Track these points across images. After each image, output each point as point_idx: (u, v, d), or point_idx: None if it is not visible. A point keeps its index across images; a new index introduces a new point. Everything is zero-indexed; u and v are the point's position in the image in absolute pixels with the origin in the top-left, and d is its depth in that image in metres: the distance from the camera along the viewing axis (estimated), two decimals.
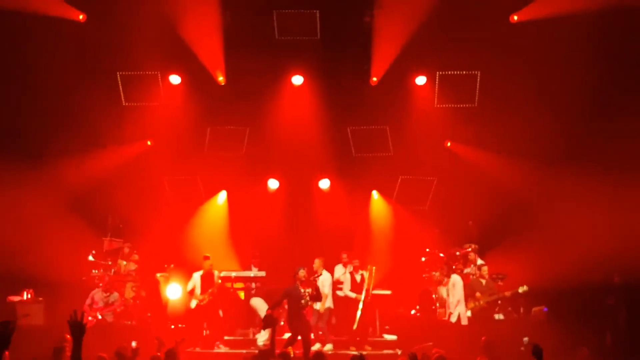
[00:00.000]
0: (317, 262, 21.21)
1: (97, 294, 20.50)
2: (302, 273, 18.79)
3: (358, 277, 21.39)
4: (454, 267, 21.99)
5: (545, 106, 21.77)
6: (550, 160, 21.79)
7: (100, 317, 20.10)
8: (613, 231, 19.90)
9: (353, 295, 21.18)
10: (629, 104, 20.71)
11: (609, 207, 20.51)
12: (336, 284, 21.92)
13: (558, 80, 21.46)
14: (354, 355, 11.98)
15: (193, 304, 21.08)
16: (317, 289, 18.88)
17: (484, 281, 20.83)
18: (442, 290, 21.14)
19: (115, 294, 20.71)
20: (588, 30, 20.75)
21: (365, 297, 21.09)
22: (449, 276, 20.92)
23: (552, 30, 21.41)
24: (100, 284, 20.98)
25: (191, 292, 21.14)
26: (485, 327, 19.24)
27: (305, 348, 17.93)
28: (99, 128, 22.73)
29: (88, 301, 20.38)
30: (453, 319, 20.05)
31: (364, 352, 16.64)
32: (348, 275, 21.62)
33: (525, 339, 16.57)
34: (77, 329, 7.30)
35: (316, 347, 19.48)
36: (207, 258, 21.19)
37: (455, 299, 20.24)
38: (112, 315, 20.45)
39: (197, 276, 21.13)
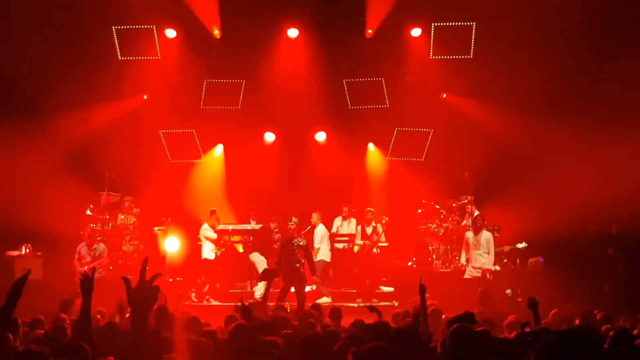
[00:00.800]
0: (314, 217, 21.43)
1: (83, 249, 20.37)
2: (290, 224, 18.92)
3: (369, 230, 21.59)
4: (450, 217, 22.17)
5: (542, 57, 21.70)
6: (547, 110, 21.78)
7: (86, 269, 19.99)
8: (611, 182, 19.98)
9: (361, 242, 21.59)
10: (626, 55, 20.70)
11: (607, 157, 20.54)
12: (334, 237, 22.11)
13: (554, 30, 21.37)
14: (370, 307, 12.13)
15: (213, 255, 21.53)
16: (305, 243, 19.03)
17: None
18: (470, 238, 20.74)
19: (101, 245, 20.61)
20: None
21: (371, 248, 21.38)
22: (480, 230, 20.39)
23: None
24: (97, 237, 21.05)
25: (215, 242, 21.62)
26: (482, 279, 19.43)
27: (299, 301, 18.01)
28: (95, 83, 22.71)
29: (76, 256, 20.30)
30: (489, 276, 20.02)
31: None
32: (359, 228, 21.86)
33: (508, 291, 16.64)
34: (86, 285, 7.45)
35: (324, 300, 19.74)
36: (214, 212, 21.48)
37: (492, 256, 20.14)
38: (102, 270, 20.20)
39: (208, 227, 21.52)
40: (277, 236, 21.66)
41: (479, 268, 19.89)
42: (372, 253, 21.56)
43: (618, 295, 19.40)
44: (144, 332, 6.09)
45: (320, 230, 21.59)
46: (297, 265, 18.65)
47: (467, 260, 20.34)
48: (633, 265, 20.34)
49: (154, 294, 6.60)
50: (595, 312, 12.84)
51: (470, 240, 20.24)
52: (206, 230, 21.62)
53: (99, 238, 21.07)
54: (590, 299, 17.58)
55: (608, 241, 20.94)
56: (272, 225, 21.55)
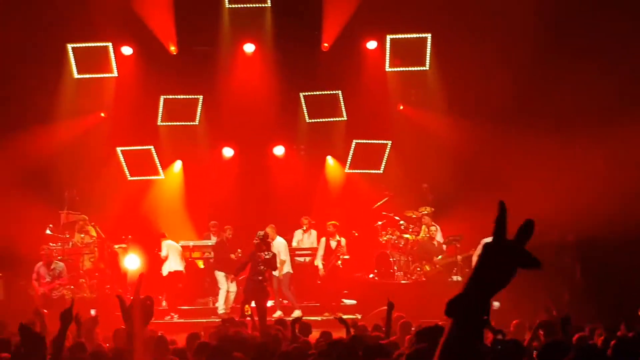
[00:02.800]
0: (269, 230, 21.24)
1: (41, 268, 19.80)
2: (257, 238, 18.77)
3: (333, 244, 21.40)
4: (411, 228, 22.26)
5: (498, 66, 21.87)
6: (504, 121, 21.95)
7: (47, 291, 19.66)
8: (569, 191, 20.20)
9: (321, 265, 21.34)
10: (583, 65, 20.99)
11: (563, 166, 20.79)
12: (295, 250, 22.04)
13: (508, 40, 21.57)
14: (340, 319, 12.16)
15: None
16: (272, 255, 18.89)
17: (435, 243, 21.17)
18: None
19: (60, 264, 20.13)
20: None
21: (336, 261, 21.26)
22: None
23: None
24: (57, 256, 20.79)
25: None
26: (443, 289, 19.47)
27: (260, 316, 17.86)
28: (52, 101, 22.77)
29: (34, 276, 19.83)
30: None
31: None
32: (323, 242, 21.63)
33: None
34: (66, 316, 7.45)
35: (277, 314, 19.61)
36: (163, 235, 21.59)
37: None
38: (62, 289, 19.88)
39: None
40: (238, 251, 21.45)
41: None
42: (336, 266, 21.39)
43: (576, 304, 19.59)
44: (140, 348, 6.36)
45: (280, 243, 21.44)
46: (260, 278, 18.49)
47: None
48: (589, 273, 20.61)
49: (149, 311, 6.83)
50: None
51: None
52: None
53: (59, 257, 20.85)
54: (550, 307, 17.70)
55: (565, 250, 21.18)
56: (225, 237, 21.55)
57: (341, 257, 21.40)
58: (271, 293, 19.41)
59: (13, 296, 20.32)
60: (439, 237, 21.59)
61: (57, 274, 19.87)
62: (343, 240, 21.44)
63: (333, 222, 21.58)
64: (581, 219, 19.97)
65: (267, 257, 18.52)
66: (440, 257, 21.14)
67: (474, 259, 19.15)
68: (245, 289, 18.73)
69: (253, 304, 18.28)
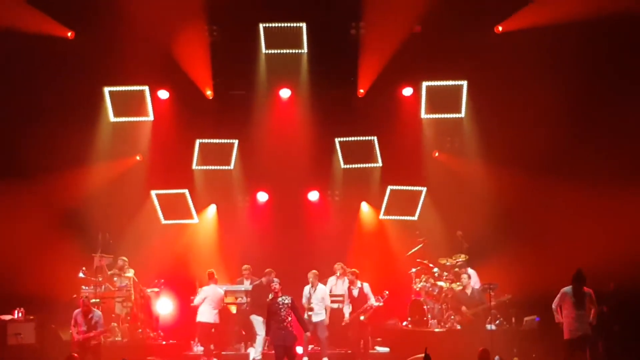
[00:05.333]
0: (311, 276, 21.01)
1: (79, 316, 18.89)
2: (274, 284, 18.38)
3: (355, 291, 21.09)
4: (445, 276, 22.08)
5: (533, 115, 21.99)
6: (539, 169, 21.90)
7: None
8: (606, 239, 19.94)
9: (347, 314, 21.09)
10: (616, 113, 20.90)
11: (601, 214, 20.57)
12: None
13: (545, 89, 21.66)
14: None
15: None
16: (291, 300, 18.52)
17: (469, 291, 20.97)
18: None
19: (97, 313, 19.12)
20: (572, 39, 21.14)
21: (358, 316, 20.85)
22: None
23: (537, 40, 21.76)
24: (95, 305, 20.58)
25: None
26: (476, 338, 19.24)
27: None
28: (87, 144, 22.87)
29: (72, 322, 18.97)
30: None
31: None
32: (346, 290, 21.34)
33: (497, 357, 16.26)
34: None
35: None
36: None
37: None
38: (96, 339, 18.88)
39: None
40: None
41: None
42: (359, 320, 20.96)
43: (613, 355, 19.24)
44: None
45: (322, 289, 21.16)
46: (285, 324, 18.13)
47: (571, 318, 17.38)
48: (629, 323, 20.13)
49: None
50: None
51: (572, 299, 17.22)
52: None
53: (93, 300, 20.56)
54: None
55: (605, 298, 20.62)
56: (264, 280, 21.22)
57: (370, 308, 20.87)
58: (299, 338, 19.04)
59: (44, 340, 20.29)
60: (474, 283, 21.36)
61: (94, 324, 19.30)
62: (366, 286, 20.99)
63: (352, 269, 21.23)
64: (623, 268, 19.65)
65: (287, 302, 18.14)
66: (464, 308, 20.98)
67: (554, 307, 18.26)
68: (273, 339, 18.20)
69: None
